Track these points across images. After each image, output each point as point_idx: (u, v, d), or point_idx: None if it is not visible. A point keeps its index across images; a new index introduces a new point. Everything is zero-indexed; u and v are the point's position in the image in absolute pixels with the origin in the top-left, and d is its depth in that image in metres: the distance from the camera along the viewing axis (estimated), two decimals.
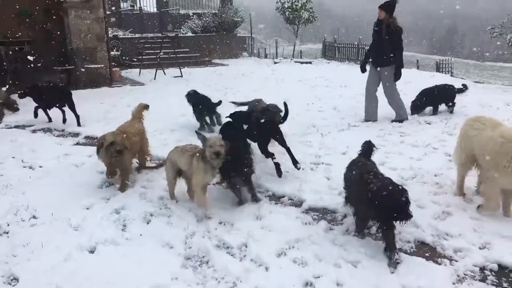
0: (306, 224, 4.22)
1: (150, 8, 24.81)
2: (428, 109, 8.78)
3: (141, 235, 3.95)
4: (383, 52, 7.84)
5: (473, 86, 13.02)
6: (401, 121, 8.00)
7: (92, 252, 3.70)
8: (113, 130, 5.19)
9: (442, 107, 8.80)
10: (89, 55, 12.77)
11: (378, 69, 8.03)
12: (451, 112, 8.67)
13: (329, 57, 24.21)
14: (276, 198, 4.85)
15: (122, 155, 4.84)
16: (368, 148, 4.26)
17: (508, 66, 40.64)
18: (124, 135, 5.04)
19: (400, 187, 3.46)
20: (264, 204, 4.62)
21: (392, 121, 8.06)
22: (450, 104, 8.72)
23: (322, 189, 5.00)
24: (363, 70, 8.38)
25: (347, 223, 4.17)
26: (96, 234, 3.95)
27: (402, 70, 7.96)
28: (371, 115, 8.19)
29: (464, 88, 8.79)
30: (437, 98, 8.71)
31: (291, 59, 22.33)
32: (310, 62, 21.11)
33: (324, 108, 9.48)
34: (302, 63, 20.70)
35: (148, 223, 4.23)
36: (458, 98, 8.84)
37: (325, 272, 3.37)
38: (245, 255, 3.65)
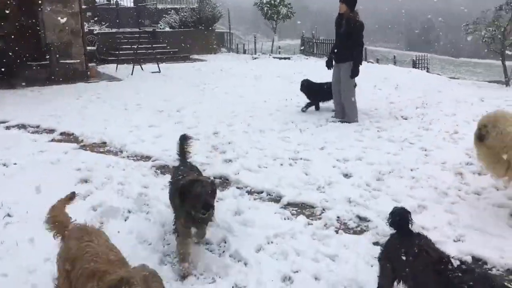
0: (285, 219, 4.24)
1: (126, 2, 24.47)
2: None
3: (118, 232, 3.90)
4: (342, 47, 7.63)
5: (448, 81, 13.29)
6: (348, 122, 7.73)
7: None
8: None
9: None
10: (65, 50, 12.54)
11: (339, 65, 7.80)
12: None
13: (307, 53, 24.30)
14: (255, 194, 4.85)
15: None
16: (402, 219, 2.85)
17: (483, 62, 41.42)
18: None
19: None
20: (243, 200, 4.64)
21: (338, 121, 7.85)
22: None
23: (300, 185, 5.03)
24: (328, 66, 8.10)
25: (326, 218, 4.20)
26: None
27: (361, 67, 7.70)
28: (339, 113, 8.01)
29: None
30: (324, 95, 8.61)
31: (270, 55, 22.33)
32: (288, 58, 21.13)
33: (302, 104, 9.47)
34: (280, 58, 20.70)
35: (126, 220, 4.19)
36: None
37: (303, 267, 3.40)
38: (224, 251, 3.65)
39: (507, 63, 13.83)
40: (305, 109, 8.68)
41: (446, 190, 4.77)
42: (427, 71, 18.78)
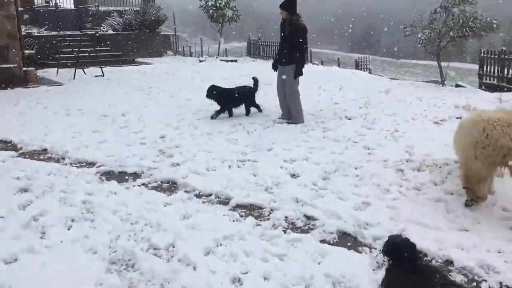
0: (233, 221, 4.25)
1: (66, 4, 23.65)
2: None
3: (61, 241, 3.78)
4: (286, 50, 7.79)
5: (388, 82, 13.79)
6: (294, 123, 7.86)
7: (8, 263, 3.48)
8: None
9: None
10: (1, 54, 11.96)
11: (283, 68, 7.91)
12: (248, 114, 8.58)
13: (254, 55, 24.46)
14: (203, 197, 4.83)
15: None
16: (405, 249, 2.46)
17: (421, 63, 43.28)
18: None
19: None
20: (191, 203, 4.61)
21: (285, 122, 7.93)
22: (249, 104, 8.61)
23: (248, 186, 5.06)
24: (274, 68, 8.22)
25: (274, 218, 4.25)
26: (12, 244, 3.72)
27: (304, 69, 7.84)
28: (285, 115, 8.11)
29: (255, 82, 8.57)
30: (236, 100, 8.47)
31: (217, 58, 22.28)
32: (235, 60, 21.18)
33: None
34: (227, 61, 20.70)
35: (69, 229, 4.05)
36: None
37: (252, 267, 3.42)
38: (172, 256, 3.61)
39: (443, 64, 14.53)
40: (215, 116, 8.28)
41: (388, 187, 4.95)
42: (369, 72, 19.37)
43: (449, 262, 3.49)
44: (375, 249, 3.67)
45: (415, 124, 7.63)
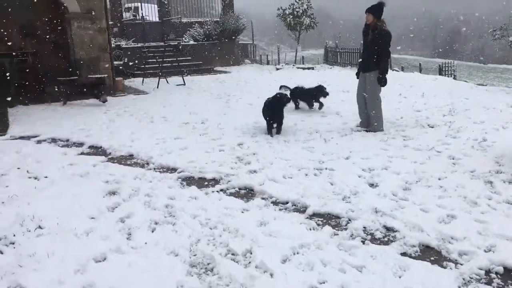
0: (310, 229, 4.22)
1: (152, 17, 24.97)
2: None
3: (146, 243, 3.96)
4: (369, 57, 7.63)
5: (475, 88, 13.04)
6: (373, 131, 7.70)
7: (97, 261, 3.70)
8: None
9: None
10: (93, 65, 12.88)
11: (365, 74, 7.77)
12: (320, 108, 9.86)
13: (331, 63, 24.23)
14: (280, 204, 4.85)
15: None
16: None
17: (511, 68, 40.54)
18: None
19: None
20: (268, 210, 4.64)
21: (364, 130, 7.81)
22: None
23: (326, 195, 5.00)
24: (358, 76, 8.08)
25: (352, 228, 4.16)
26: (101, 244, 3.96)
27: (387, 75, 7.64)
28: (364, 123, 7.98)
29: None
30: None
31: (293, 65, 22.36)
32: (312, 68, 21.13)
33: (326, 113, 9.50)
34: (304, 69, 20.72)
35: (153, 231, 4.23)
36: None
37: (330, 278, 3.36)
38: (250, 262, 3.65)
39: None
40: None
41: (475, 199, 4.66)
42: (454, 78, 18.46)
43: None
44: (462, 265, 3.46)
45: (505, 133, 7.13)
